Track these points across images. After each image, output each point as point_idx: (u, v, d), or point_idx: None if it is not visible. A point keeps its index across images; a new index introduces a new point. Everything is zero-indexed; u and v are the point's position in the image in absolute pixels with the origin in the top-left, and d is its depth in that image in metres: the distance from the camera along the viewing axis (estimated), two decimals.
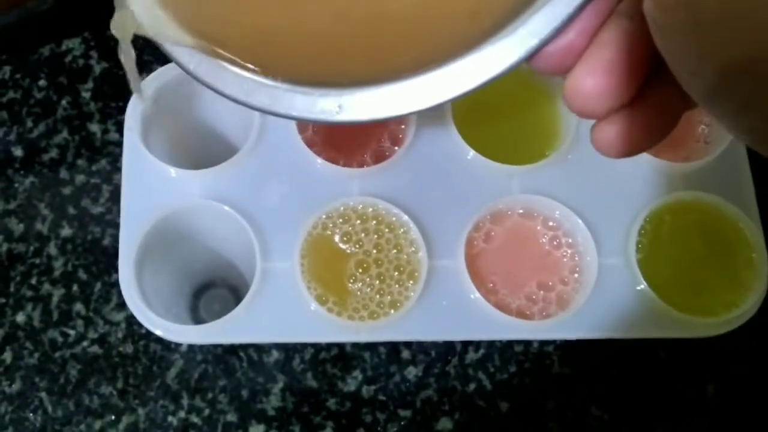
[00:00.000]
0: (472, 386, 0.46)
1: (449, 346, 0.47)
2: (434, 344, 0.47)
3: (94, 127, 0.50)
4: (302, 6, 0.25)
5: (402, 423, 0.46)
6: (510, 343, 0.47)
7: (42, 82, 0.51)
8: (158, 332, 0.38)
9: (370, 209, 0.41)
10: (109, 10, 0.27)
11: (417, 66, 0.23)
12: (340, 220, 0.41)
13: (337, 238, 0.40)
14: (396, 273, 0.40)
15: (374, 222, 0.41)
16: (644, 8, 0.19)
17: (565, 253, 0.41)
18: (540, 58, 0.22)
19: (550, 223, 0.42)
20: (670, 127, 0.23)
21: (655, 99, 0.22)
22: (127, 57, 0.31)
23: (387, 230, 0.41)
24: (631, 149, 0.23)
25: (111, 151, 0.49)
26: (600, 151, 0.23)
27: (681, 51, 0.19)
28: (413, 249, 0.40)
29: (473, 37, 0.23)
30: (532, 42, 0.22)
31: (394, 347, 0.47)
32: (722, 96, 0.18)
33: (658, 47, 0.19)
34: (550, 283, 0.41)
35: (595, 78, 0.22)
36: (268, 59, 0.25)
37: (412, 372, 0.46)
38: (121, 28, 0.28)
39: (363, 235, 0.41)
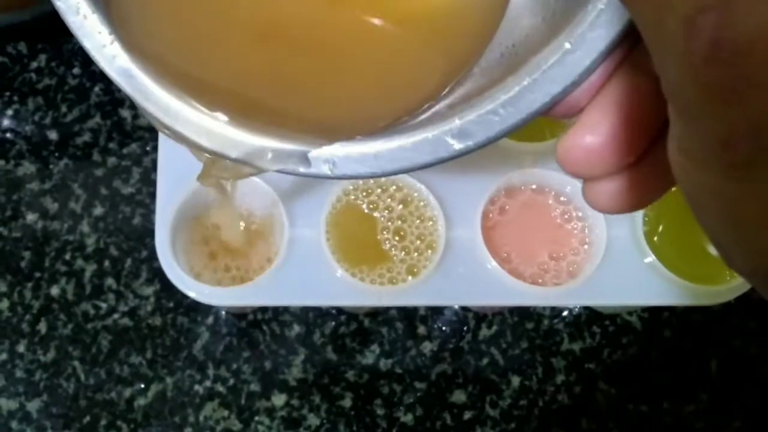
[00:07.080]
0: (485, 361, 0.48)
1: (463, 322, 0.49)
2: (449, 320, 0.49)
3: (125, 113, 0.52)
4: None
5: (418, 395, 0.48)
6: (522, 321, 0.49)
7: (76, 70, 0.53)
8: (192, 294, 0.41)
9: (392, 185, 0.43)
10: None
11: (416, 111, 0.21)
12: (364, 194, 0.43)
13: (363, 207, 0.43)
14: (418, 242, 0.42)
15: (397, 194, 0.43)
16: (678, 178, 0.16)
17: (575, 226, 0.44)
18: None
19: (562, 198, 0.44)
20: (672, 184, 0.19)
21: (655, 157, 0.19)
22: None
23: (409, 201, 0.43)
24: (625, 208, 0.20)
25: (141, 136, 0.52)
26: (593, 207, 0.21)
27: (725, 232, 0.16)
28: (432, 221, 0.43)
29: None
30: (555, 89, 0.19)
31: (410, 323, 0.49)
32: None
33: (694, 213, 0.17)
34: (561, 254, 0.43)
35: (592, 138, 0.19)
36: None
37: (427, 347, 0.49)
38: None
39: (388, 203, 0.43)
